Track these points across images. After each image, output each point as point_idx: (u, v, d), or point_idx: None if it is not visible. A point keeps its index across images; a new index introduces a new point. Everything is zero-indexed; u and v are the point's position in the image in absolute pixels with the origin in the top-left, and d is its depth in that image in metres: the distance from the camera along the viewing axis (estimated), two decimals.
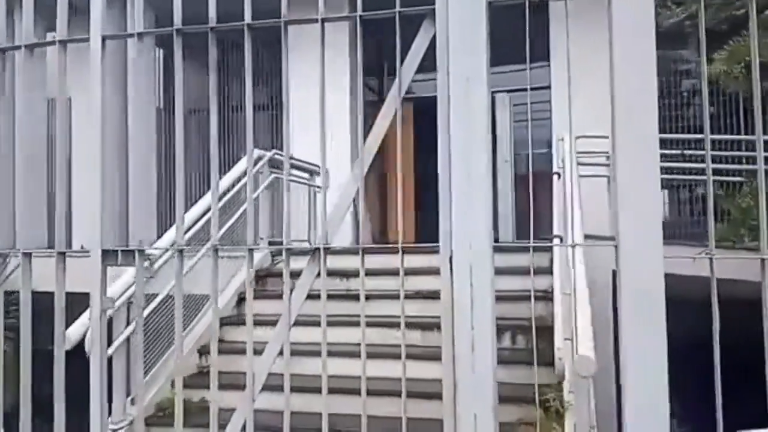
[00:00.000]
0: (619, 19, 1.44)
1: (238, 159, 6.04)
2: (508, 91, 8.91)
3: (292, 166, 6.45)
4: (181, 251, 1.78)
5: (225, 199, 5.08)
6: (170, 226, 4.45)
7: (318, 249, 1.69)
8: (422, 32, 1.64)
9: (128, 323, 3.96)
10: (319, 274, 1.72)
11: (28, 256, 1.86)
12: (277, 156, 5.84)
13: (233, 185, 5.18)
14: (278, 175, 5.96)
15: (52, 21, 1.85)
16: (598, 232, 4.77)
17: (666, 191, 8.47)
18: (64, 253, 1.83)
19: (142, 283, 1.82)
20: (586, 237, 4.01)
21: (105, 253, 1.77)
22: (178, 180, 1.84)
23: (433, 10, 1.57)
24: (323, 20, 1.67)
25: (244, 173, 5.39)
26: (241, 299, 5.36)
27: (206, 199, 4.76)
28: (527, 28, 1.65)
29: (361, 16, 1.66)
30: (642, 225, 1.40)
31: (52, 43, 1.80)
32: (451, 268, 1.54)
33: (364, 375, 1.72)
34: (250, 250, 1.73)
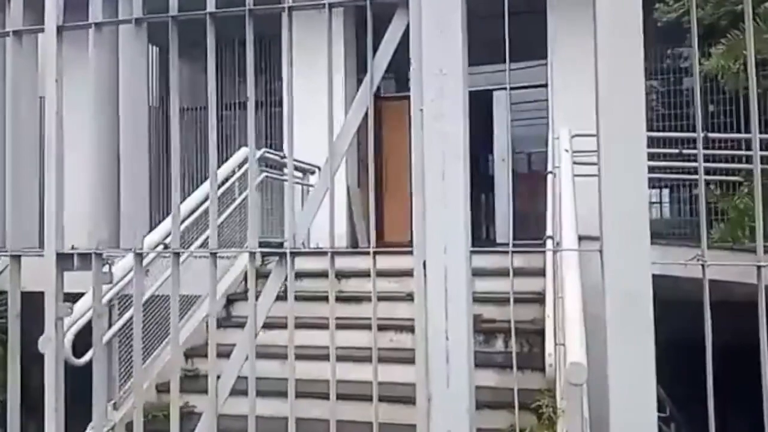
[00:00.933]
0: (602, 13, 1.34)
1: (230, 157, 5.93)
2: (505, 89, 8.79)
3: (284, 165, 6.35)
4: (139, 255, 1.68)
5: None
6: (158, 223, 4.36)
7: (285, 254, 1.59)
8: (395, 22, 1.53)
9: (110, 326, 3.87)
10: (286, 278, 1.62)
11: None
12: (268, 154, 5.73)
13: (222, 184, 5.08)
14: (268, 174, 5.86)
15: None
16: (592, 233, 4.68)
17: (666, 190, 8.38)
18: (19, 256, 1.73)
19: (100, 289, 1.72)
20: (581, 238, 3.90)
21: (60, 257, 1.67)
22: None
23: None
24: (290, 9, 1.56)
25: (233, 172, 5.29)
26: (229, 301, 5.26)
27: (190, 201, 4.65)
28: (506, 20, 1.54)
29: (330, 4, 1.55)
30: (627, 226, 1.30)
31: (6, 34, 1.70)
32: (425, 273, 1.44)
33: (333, 378, 1.63)
34: (213, 254, 1.62)
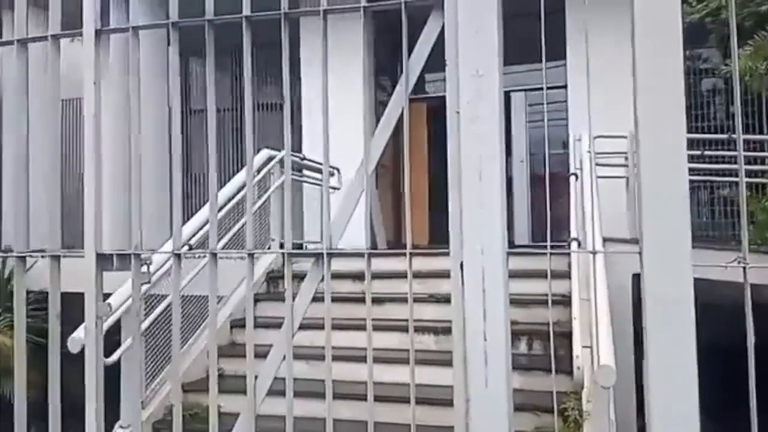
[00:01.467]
0: (641, 13, 1.34)
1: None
2: (524, 90, 8.76)
3: (305, 167, 6.38)
4: (178, 256, 1.70)
5: (237, 197, 5.00)
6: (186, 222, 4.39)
7: (321, 254, 1.60)
8: (430, 24, 1.54)
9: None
10: (323, 279, 1.63)
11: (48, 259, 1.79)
12: (291, 157, 5.75)
13: (244, 185, 5.10)
14: (292, 177, 5.89)
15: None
16: (615, 234, 4.65)
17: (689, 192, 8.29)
18: (58, 257, 1.75)
19: (139, 290, 1.74)
20: (604, 240, 3.88)
21: (100, 257, 1.69)
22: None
23: (441, 1, 1.47)
24: (326, 11, 1.58)
25: (254, 174, 5.32)
26: (255, 300, 5.29)
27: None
28: (543, 20, 1.54)
29: (365, 7, 1.56)
30: (669, 229, 1.29)
31: (44, 38, 1.73)
32: (462, 275, 1.44)
33: (370, 380, 1.64)
34: (250, 255, 1.64)
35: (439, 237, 8.11)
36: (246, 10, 1.62)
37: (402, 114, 1.64)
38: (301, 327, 1.97)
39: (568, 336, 3.32)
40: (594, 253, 2.09)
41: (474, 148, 1.42)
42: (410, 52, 1.60)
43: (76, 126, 8.36)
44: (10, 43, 1.78)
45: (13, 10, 1.80)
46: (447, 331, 4.63)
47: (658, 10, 1.34)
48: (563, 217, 4.45)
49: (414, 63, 1.60)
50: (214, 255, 1.65)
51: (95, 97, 1.68)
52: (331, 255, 1.60)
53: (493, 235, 1.41)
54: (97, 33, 1.70)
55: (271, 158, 5.64)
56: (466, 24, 1.43)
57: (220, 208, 4.54)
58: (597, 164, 4.67)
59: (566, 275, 4.13)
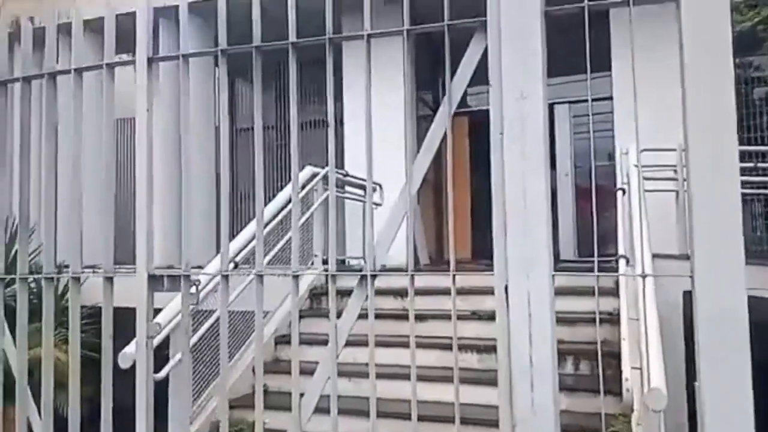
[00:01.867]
0: (690, 24, 1.31)
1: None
2: (568, 102, 8.65)
3: (348, 183, 6.43)
4: (226, 277, 1.73)
5: (282, 214, 5.07)
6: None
7: (365, 275, 1.61)
8: (473, 45, 1.54)
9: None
10: (367, 298, 1.64)
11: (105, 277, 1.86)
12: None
13: (289, 201, 5.17)
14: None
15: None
16: (665, 250, 4.52)
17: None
18: (111, 278, 1.81)
19: (188, 309, 1.78)
20: (654, 256, 3.78)
21: (151, 278, 1.74)
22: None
23: (485, 22, 1.48)
24: (369, 36, 1.60)
25: (300, 190, 5.39)
26: (300, 316, 5.34)
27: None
28: (587, 36, 1.53)
29: (408, 30, 1.58)
30: (722, 245, 1.26)
31: (99, 66, 1.80)
32: (507, 297, 1.43)
33: (414, 398, 1.64)
34: (295, 276, 1.66)
35: (482, 250, 8.03)
36: (292, 37, 1.66)
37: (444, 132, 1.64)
38: (349, 344, 1.99)
39: (615, 356, 3.24)
40: (644, 276, 2.04)
41: (518, 172, 1.41)
42: (453, 72, 1.61)
43: (127, 144, 8.65)
44: (67, 72, 1.86)
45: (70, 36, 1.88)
46: (490, 349, 4.60)
47: (707, 20, 1.32)
48: (610, 230, 4.36)
49: (456, 85, 1.61)
50: (260, 276, 1.68)
51: (147, 124, 1.74)
52: (374, 276, 1.61)
53: (539, 258, 1.40)
54: (149, 61, 1.76)
55: (314, 175, 5.70)
56: (509, 47, 1.43)
57: (266, 225, 4.61)
58: (645, 178, 4.57)
59: (613, 292, 4.04)
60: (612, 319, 3.82)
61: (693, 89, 1.31)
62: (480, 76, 1.56)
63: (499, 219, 1.43)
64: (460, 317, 4.68)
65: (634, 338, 2.85)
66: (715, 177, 1.28)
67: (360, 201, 6.49)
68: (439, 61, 7.79)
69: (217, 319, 4.26)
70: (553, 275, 1.40)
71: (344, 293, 2.08)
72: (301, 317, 5.18)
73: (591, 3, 1.44)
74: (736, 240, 1.26)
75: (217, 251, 1.81)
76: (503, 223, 1.42)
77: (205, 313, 4.30)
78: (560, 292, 4.59)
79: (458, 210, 8.29)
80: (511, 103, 1.43)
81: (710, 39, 1.32)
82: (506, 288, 1.43)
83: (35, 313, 1.92)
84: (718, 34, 1.31)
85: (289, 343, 5.17)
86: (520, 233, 1.40)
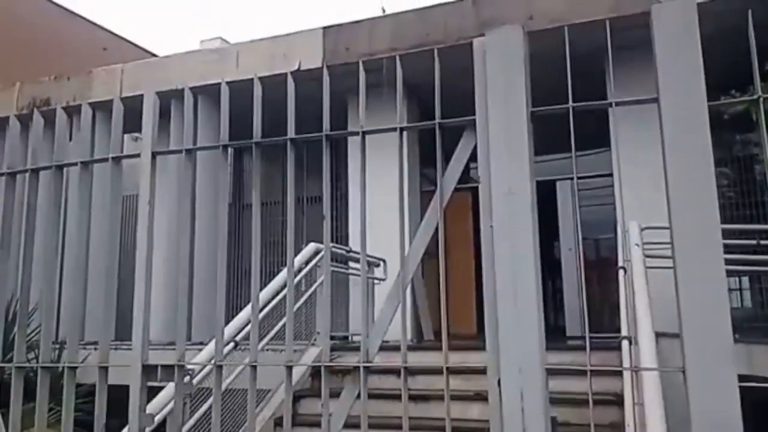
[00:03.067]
0: (668, 109, 1.37)
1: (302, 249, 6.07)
2: (569, 179, 8.78)
3: (351, 260, 6.46)
4: (220, 367, 1.73)
5: (282, 293, 5.07)
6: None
7: (357, 368, 1.61)
8: (463, 143, 1.60)
9: (183, 420, 3.90)
10: (359, 396, 1.63)
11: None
12: (333, 249, 5.85)
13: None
14: (334, 268, 5.96)
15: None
16: (670, 328, 4.46)
17: (746, 278, 7.97)
18: (106, 368, 1.81)
19: (181, 399, 1.77)
20: (658, 335, 3.74)
21: (145, 368, 1.74)
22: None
23: (474, 120, 1.54)
24: (364, 132, 1.67)
25: (299, 269, 5.41)
26: (296, 398, 5.24)
27: (262, 295, 4.77)
28: (572, 131, 1.58)
29: (402, 128, 1.64)
30: (712, 350, 1.26)
31: (105, 159, 1.87)
32: (500, 392, 1.43)
33: None
34: (288, 367, 1.66)
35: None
36: (291, 133, 1.73)
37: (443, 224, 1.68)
38: (349, 426, 1.96)
39: None
40: (635, 370, 2.02)
41: (508, 265, 1.44)
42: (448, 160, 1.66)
43: (133, 219, 8.77)
44: (74, 164, 1.93)
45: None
46: None
47: (687, 125, 1.37)
48: (617, 303, 4.32)
49: (448, 178, 1.66)
50: (254, 367, 1.68)
51: (149, 216, 1.79)
52: (367, 368, 1.60)
53: (531, 352, 1.40)
54: (153, 155, 1.83)
55: (318, 251, 5.74)
56: (497, 144, 1.49)
57: (265, 306, 4.61)
58: (648, 255, 4.57)
59: (620, 373, 3.97)
60: (618, 400, 3.73)
61: (673, 170, 1.36)
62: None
63: (490, 312, 1.45)
64: (463, 398, 4.60)
65: (640, 422, 2.79)
66: (699, 254, 1.30)
67: (359, 276, 6.49)
68: (442, 137, 7.94)
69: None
70: (547, 368, 1.40)
71: (348, 372, 2.06)
72: (301, 397, 5.08)
73: (575, 105, 1.50)
74: (725, 346, 1.27)
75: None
76: (495, 317, 1.43)
77: (204, 391, 4.24)
78: (565, 372, 4.50)
79: (463, 285, 8.25)
80: (500, 198, 1.47)
81: (689, 132, 1.37)
82: (499, 381, 1.42)
83: (31, 392, 1.91)
84: (696, 114, 1.37)
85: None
86: (512, 328, 1.41)
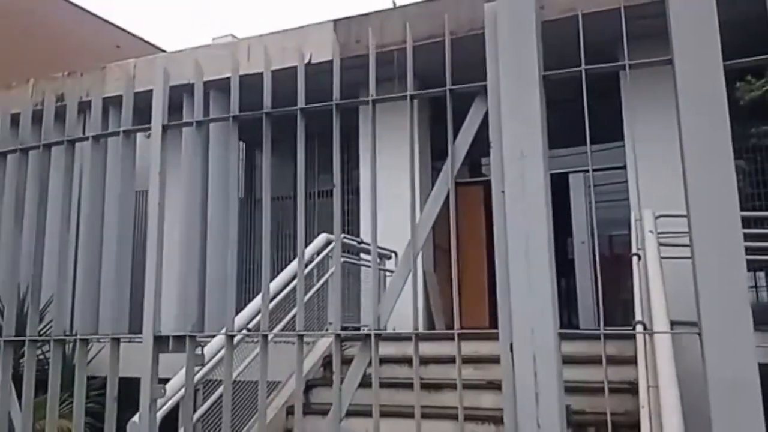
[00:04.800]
0: (684, 83, 1.35)
1: (308, 242, 6.08)
2: (582, 172, 8.72)
3: (361, 251, 6.45)
4: (231, 337, 1.73)
5: (294, 282, 5.07)
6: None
7: (369, 335, 1.60)
8: (474, 109, 1.59)
9: (194, 410, 3.92)
10: (370, 363, 1.62)
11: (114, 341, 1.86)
12: (345, 240, 5.85)
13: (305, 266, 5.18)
14: (346, 259, 5.95)
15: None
16: (688, 318, 4.41)
17: (761, 273, 7.86)
18: (118, 339, 1.82)
19: (192, 371, 1.77)
20: (673, 323, 3.69)
21: (157, 339, 1.74)
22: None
23: (485, 86, 1.52)
24: (374, 101, 1.66)
25: (312, 258, 5.41)
26: (308, 387, 5.24)
27: (273, 285, 4.77)
28: (585, 98, 1.56)
29: (412, 95, 1.63)
30: (727, 310, 1.24)
31: (116, 133, 1.87)
32: (512, 357, 1.41)
33: None
34: (300, 336, 1.65)
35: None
36: (301, 103, 1.72)
37: (455, 196, 1.66)
38: (362, 414, 1.94)
39: (637, 427, 3.12)
40: (651, 333, 1.99)
41: (520, 228, 1.42)
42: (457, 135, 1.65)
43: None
44: (85, 138, 1.93)
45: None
46: None
47: (703, 87, 1.35)
48: (630, 299, 4.28)
49: (459, 146, 1.64)
50: (265, 337, 1.67)
51: (160, 187, 1.79)
52: (378, 336, 1.59)
53: (543, 315, 1.38)
54: (164, 128, 1.83)
55: (329, 242, 5.74)
56: (509, 109, 1.47)
57: (277, 294, 4.61)
58: (662, 244, 4.52)
59: (633, 360, 3.92)
60: (633, 388, 3.69)
61: (691, 156, 1.33)
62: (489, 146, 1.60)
63: (502, 277, 1.43)
64: (477, 386, 4.58)
65: (654, 407, 2.75)
66: (718, 242, 1.28)
67: (367, 267, 6.48)
68: (453, 131, 7.91)
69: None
70: (560, 333, 1.38)
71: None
72: (313, 386, 5.09)
73: (588, 68, 1.48)
74: (742, 304, 1.25)
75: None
76: (506, 281, 1.41)
77: (216, 382, 4.25)
78: (581, 360, 4.46)
79: (475, 280, 8.21)
80: (512, 161, 1.45)
81: (706, 105, 1.34)
82: (511, 347, 1.41)
83: (44, 384, 1.92)
84: (714, 98, 1.34)
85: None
86: (524, 290, 1.39)
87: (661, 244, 4.44)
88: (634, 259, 4.15)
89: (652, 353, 3.15)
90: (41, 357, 2.24)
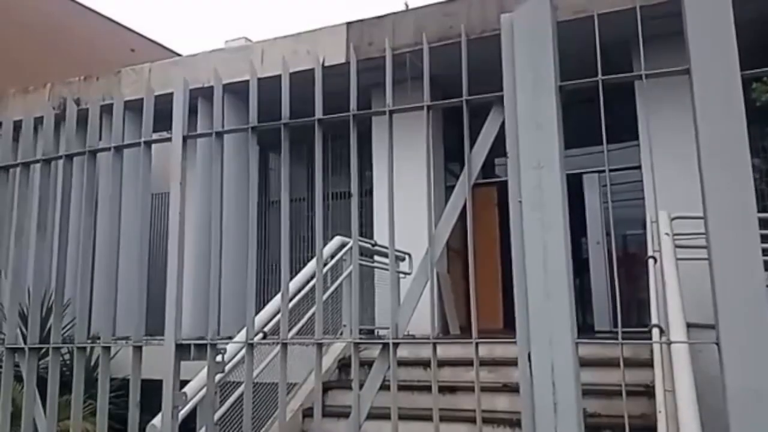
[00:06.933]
0: (701, 94, 1.35)
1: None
2: (597, 172, 8.68)
3: (377, 253, 6.47)
4: (251, 345, 1.76)
5: (309, 285, 5.10)
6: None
7: (387, 343, 1.61)
8: (491, 119, 1.60)
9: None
10: (389, 368, 1.64)
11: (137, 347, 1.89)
12: (361, 243, 5.87)
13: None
14: (363, 263, 5.97)
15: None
16: (705, 320, 4.38)
17: None
18: (140, 347, 1.85)
19: (214, 377, 1.80)
20: (690, 326, 3.68)
21: (179, 347, 1.77)
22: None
23: (502, 96, 1.54)
24: (391, 111, 1.67)
25: (327, 261, 5.44)
26: (324, 389, 5.27)
27: (291, 286, 4.80)
28: (602, 109, 1.57)
29: (428, 105, 1.65)
30: (745, 317, 1.24)
31: (137, 144, 1.90)
32: (530, 365, 1.42)
33: None
34: (319, 344, 1.67)
35: (513, 321, 7.84)
36: (318, 113, 1.74)
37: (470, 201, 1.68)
38: (375, 417, 1.97)
39: (654, 430, 3.11)
40: (669, 343, 2.00)
41: (538, 237, 1.43)
42: (473, 143, 1.66)
43: (164, 218, 8.90)
44: (107, 149, 1.97)
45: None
46: None
47: (721, 97, 1.35)
48: (645, 299, 4.26)
49: (476, 155, 1.65)
50: (284, 345, 1.70)
51: (181, 197, 1.82)
52: (396, 344, 1.61)
53: (561, 325, 1.39)
54: (184, 139, 1.86)
55: (343, 245, 5.77)
56: (525, 119, 1.48)
57: (293, 297, 4.64)
58: (678, 246, 4.50)
59: (650, 363, 3.91)
60: (649, 391, 3.68)
61: (708, 161, 1.33)
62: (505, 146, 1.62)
63: (520, 286, 1.44)
64: (491, 389, 4.58)
65: (671, 411, 2.75)
66: (735, 244, 1.28)
67: (387, 270, 6.50)
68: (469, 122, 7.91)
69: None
70: (577, 342, 1.39)
71: (371, 363, 2.07)
72: (329, 389, 5.11)
73: (605, 78, 1.49)
74: (761, 308, 1.25)
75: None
76: (524, 289, 1.43)
77: (233, 384, 4.29)
78: (595, 363, 4.45)
79: (488, 281, 8.21)
80: (529, 171, 1.46)
81: (723, 103, 1.35)
82: (529, 356, 1.42)
83: (66, 386, 1.96)
84: (730, 99, 1.34)
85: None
86: (542, 300, 1.40)
87: (677, 246, 4.42)
88: (650, 261, 4.13)
89: (668, 357, 3.15)
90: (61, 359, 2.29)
